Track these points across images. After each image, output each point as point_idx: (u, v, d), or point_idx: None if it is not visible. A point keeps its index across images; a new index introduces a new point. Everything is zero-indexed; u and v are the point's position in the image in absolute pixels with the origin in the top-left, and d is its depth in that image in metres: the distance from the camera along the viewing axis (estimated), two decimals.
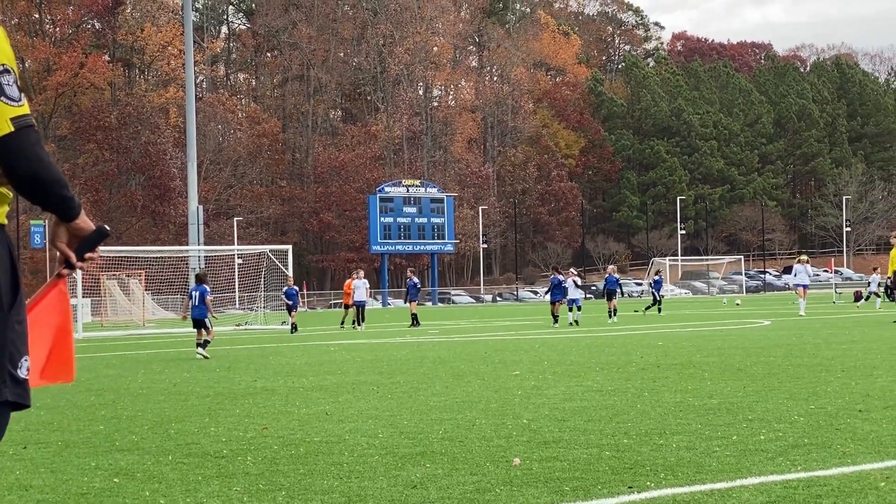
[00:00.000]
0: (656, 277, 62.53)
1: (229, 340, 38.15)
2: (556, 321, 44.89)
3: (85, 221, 4.66)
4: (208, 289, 30.47)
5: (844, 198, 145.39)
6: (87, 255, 4.68)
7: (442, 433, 12.37)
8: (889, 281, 43.13)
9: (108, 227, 4.76)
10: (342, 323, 50.57)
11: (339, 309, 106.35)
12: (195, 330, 30.05)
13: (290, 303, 46.64)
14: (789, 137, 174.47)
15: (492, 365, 23.13)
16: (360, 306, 47.95)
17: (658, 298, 60.30)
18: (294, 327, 46.22)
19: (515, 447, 11.22)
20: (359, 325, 47.07)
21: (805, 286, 48.25)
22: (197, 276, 31.09)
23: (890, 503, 8.18)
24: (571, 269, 52.60)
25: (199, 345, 28.84)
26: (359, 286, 48.49)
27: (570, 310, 45.18)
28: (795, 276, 48.77)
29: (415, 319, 47.92)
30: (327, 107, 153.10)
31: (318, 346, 33.46)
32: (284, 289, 47.69)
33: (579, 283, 47.38)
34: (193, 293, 30.16)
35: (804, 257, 50.40)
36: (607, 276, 51.15)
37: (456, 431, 12.49)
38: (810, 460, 9.99)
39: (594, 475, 9.57)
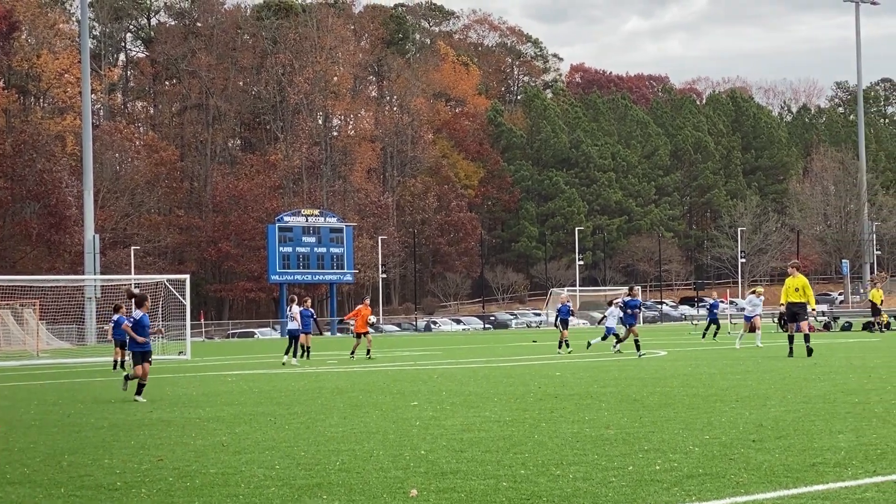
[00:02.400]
0: (712, 301, 60.13)
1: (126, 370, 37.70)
2: (560, 346, 45.13)
3: None
4: (125, 317, 31.53)
5: (739, 229, 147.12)
6: None
7: (339, 464, 12.32)
8: (783, 309, 42.93)
9: None
10: (352, 353, 45.71)
11: (237, 339, 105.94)
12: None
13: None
14: (686, 169, 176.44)
15: (390, 395, 23.09)
16: (294, 336, 42.98)
17: (716, 322, 58.98)
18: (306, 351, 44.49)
19: (413, 478, 11.20)
20: (295, 355, 42.06)
21: (750, 318, 46.06)
22: (115, 306, 33.17)
23: None
24: (617, 302, 49.24)
25: (123, 369, 31.67)
26: (300, 314, 43.60)
27: (605, 338, 44.61)
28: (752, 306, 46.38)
29: (306, 351, 45.12)
30: (226, 135, 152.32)
31: (216, 377, 33.21)
32: (301, 309, 43.83)
33: (618, 313, 44.47)
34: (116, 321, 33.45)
35: (759, 289, 48.40)
36: (560, 305, 49.20)
37: (353, 462, 12.44)
38: (704, 490, 10.07)
39: None
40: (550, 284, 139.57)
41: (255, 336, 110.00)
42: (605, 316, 44.92)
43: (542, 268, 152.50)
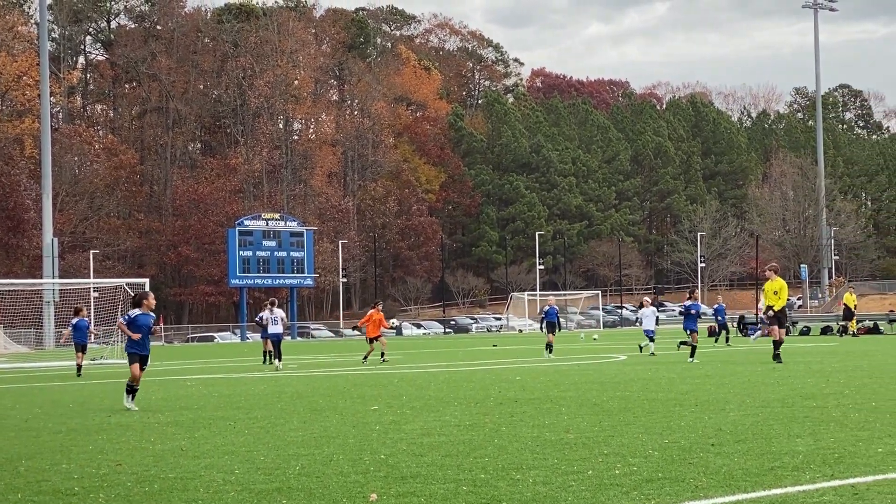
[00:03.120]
0: (716, 305, 58.23)
1: (84, 375, 37.54)
2: (548, 350, 43.79)
3: None
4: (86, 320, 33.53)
5: (699, 234, 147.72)
6: None
7: (299, 469, 12.30)
8: (761, 313, 41.43)
9: None
10: (365, 357, 44.08)
11: (197, 343, 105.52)
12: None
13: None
14: (646, 174, 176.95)
15: (350, 400, 23.07)
16: (274, 340, 41.07)
17: (725, 326, 56.72)
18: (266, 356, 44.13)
19: (373, 482, 11.20)
20: (280, 359, 40.36)
21: None
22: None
23: None
24: (646, 299, 47.53)
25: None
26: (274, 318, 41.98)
27: (652, 341, 43.65)
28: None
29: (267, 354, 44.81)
30: (186, 139, 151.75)
31: (175, 381, 33.10)
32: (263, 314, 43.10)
33: (653, 314, 44.67)
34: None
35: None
36: (548, 307, 46.94)
37: (313, 467, 12.43)
38: (663, 494, 10.10)
39: None
40: (511, 289, 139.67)
41: (215, 340, 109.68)
42: (639, 318, 44.16)
43: (503, 272, 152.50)
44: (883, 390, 21.74)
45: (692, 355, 37.69)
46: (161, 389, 28.74)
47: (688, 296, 41.35)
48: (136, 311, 22.66)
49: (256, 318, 48.19)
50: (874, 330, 67.22)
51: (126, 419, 19.56)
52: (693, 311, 39.20)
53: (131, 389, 22.45)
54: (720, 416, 16.99)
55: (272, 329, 41.43)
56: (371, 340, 44.45)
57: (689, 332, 38.94)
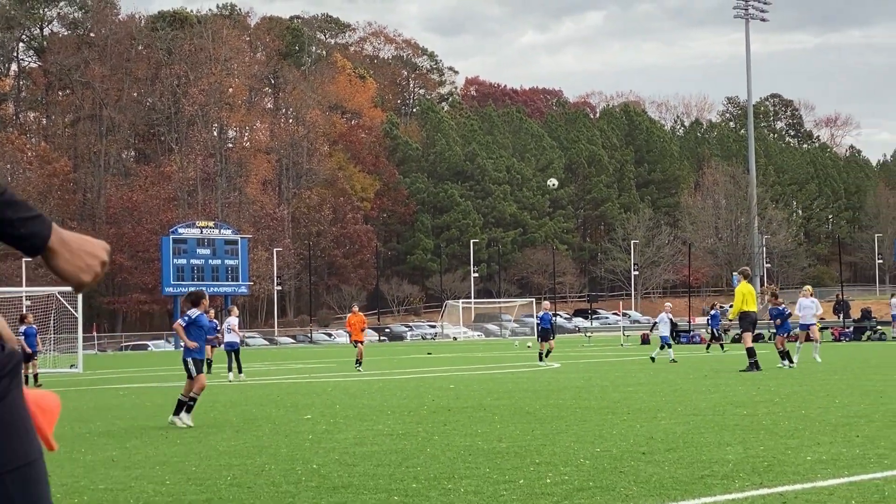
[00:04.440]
0: (713, 312, 56.95)
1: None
2: (541, 358, 43.54)
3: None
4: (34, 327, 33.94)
5: (632, 242, 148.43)
6: None
7: (230, 479, 12.26)
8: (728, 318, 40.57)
9: None
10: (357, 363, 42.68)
11: (130, 352, 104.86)
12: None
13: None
14: (580, 182, 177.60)
15: (283, 409, 23.02)
16: (234, 349, 38.65)
17: (717, 334, 55.94)
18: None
19: (304, 493, 11.18)
20: (231, 371, 37.90)
21: (809, 326, 38.29)
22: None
23: None
24: (668, 304, 45.72)
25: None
26: (233, 325, 39.79)
27: (662, 347, 41.86)
28: (801, 311, 38.02)
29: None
30: (120, 147, 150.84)
31: (108, 390, 32.89)
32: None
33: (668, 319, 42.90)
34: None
35: (808, 288, 40.11)
36: (542, 313, 46.03)
37: (245, 477, 12.39)
38: (594, 503, 10.15)
39: None
40: (446, 297, 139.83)
41: (149, 348, 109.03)
42: (655, 323, 43.40)
43: (438, 280, 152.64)
44: (812, 398, 21.93)
45: (783, 357, 34.21)
46: (93, 398, 28.55)
47: (772, 298, 38.96)
48: (196, 312, 20.58)
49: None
50: (807, 338, 67.71)
51: (56, 430, 19.32)
52: (777, 318, 35.69)
53: (188, 403, 20.01)
54: (652, 425, 17.08)
55: (228, 338, 39.04)
56: (356, 343, 43.02)
57: (781, 335, 35.36)
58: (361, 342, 42.88)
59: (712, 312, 57.04)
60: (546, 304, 48.53)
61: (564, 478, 11.67)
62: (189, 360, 20.50)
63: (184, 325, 20.38)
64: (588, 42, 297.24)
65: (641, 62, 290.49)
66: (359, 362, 42.24)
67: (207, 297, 21.31)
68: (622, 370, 36.17)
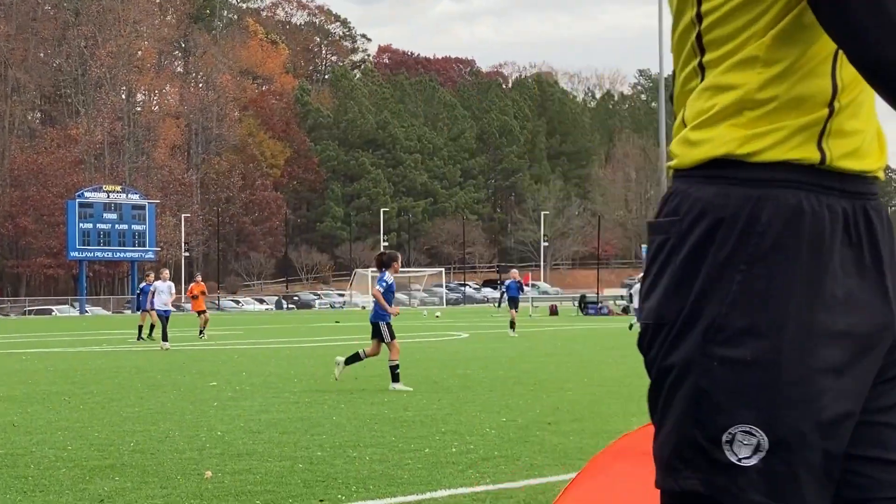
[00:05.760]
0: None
1: None
2: (512, 328, 40.75)
3: None
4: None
5: (542, 213, 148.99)
6: None
7: (133, 445, 12.14)
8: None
9: None
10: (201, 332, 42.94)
11: (34, 317, 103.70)
12: None
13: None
14: (491, 153, 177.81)
15: (189, 375, 22.86)
16: (165, 316, 36.75)
17: None
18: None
19: (208, 460, 11.09)
20: (163, 339, 35.12)
21: None
22: None
23: None
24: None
25: None
26: (163, 290, 37.78)
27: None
28: None
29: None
30: (25, 108, 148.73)
31: (10, 355, 32.48)
32: (142, 285, 39.34)
33: None
34: None
35: None
36: (509, 281, 43.55)
37: (148, 443, 12.27)
38: (499, 473, 10.15)
39: (286, 488, 9.52)
40: (355, 265, 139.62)
41: (53, 313, 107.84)
42: (632, 294, 41.20)
43: (347, 248, 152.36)
44: None
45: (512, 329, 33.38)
46: None
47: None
48: (391, 277, 19.99)
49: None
50: None
51: None
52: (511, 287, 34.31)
53: (395, 371, 19.39)
54: (558, 395, 17.15)
55: (157, 304, 37.38)
56: (200, 313, 43.60)
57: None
58: (204, 311, 43.38)
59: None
60: (514, 271, 45.50)
61: (470, 447, 11.67)
62: (385, 324, 19.79)
63: (382, 290, 19.78)
64: (503, 12, 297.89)
65: (556, 34, 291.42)
66: (202, 331, 42.73)
67: (399, 259, 20.56)
68: (530, 341, 36.29)
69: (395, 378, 19.19)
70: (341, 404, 16.19)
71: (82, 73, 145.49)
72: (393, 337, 19.61)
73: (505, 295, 43.38)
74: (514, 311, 41.59)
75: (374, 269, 35.34)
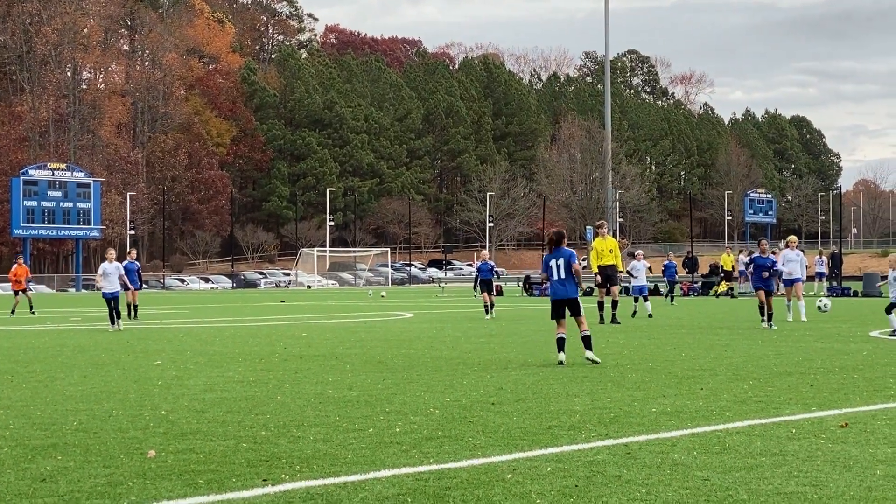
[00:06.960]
0: (666, 262, 53.77)
1: None
2: (488, 311, 38.23)
3: None
4: None
5: (488, 194, 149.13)
6: None
7: (76, 424, 12.13)
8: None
9: None
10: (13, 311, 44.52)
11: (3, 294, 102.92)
12: None
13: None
14: (437, 133, 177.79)
15: (133, 354, 22.80)
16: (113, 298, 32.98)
17: (671, 286, 53.97)
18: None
19: (152, 439, 11.11)
20: (113, 322, 32.67)
21: (795, 281, 34.22)
22: None
23: (515, 494, 8.45)
24: (639, 252, 41.02)
25: None
26: (110, 271, 33.49)
27: (637, 300, 38.61)
28: (784, 265, 33.60)
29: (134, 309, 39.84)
30: None
31: None
32: (124, 263, 36.95)
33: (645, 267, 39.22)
34: None
35: (793, 238, 35.58)
36: (480, 262, 40.63)
37: (91, 422, 12.27)
38: (442, 452, 10.22)
39: (230, 468, 9.56)
40: (301, 244, 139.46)
41: None
42: (629, 272, 38.45)
43: (293, 227, 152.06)
44: (659, 351, 22.31)
45: (768, 319, 30.29)
46: None
47: (633, 256, 38.77)
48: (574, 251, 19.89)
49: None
50: (655, 292, 68.61)
51: None
52: (761, 269, 31.06)
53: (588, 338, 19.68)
54: (502, 375, 17.24)
55: (104, 286, 33.48)
56: (17, 293, 46.91)
57: (755, 290, 31.45)
58: (24, 291, 46.65)
59: (666, 262, 54.13)
60: (484, 253, 42.42)
61: (414, 427, 11.74)
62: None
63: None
64: None
65: (502, 15, 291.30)
66: (13, 311, 45.33)
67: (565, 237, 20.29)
68: (475, 321, 36.37)
69: (589, 346, 19.63)
70: (285, 384, 16.22)
71: (27, 51, 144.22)
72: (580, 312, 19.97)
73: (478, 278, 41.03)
74: (486, 294, 39.09)
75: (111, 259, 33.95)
